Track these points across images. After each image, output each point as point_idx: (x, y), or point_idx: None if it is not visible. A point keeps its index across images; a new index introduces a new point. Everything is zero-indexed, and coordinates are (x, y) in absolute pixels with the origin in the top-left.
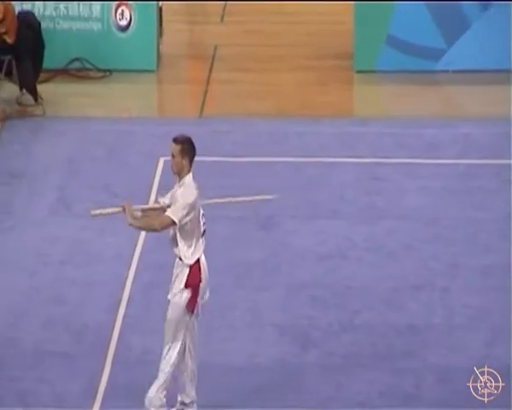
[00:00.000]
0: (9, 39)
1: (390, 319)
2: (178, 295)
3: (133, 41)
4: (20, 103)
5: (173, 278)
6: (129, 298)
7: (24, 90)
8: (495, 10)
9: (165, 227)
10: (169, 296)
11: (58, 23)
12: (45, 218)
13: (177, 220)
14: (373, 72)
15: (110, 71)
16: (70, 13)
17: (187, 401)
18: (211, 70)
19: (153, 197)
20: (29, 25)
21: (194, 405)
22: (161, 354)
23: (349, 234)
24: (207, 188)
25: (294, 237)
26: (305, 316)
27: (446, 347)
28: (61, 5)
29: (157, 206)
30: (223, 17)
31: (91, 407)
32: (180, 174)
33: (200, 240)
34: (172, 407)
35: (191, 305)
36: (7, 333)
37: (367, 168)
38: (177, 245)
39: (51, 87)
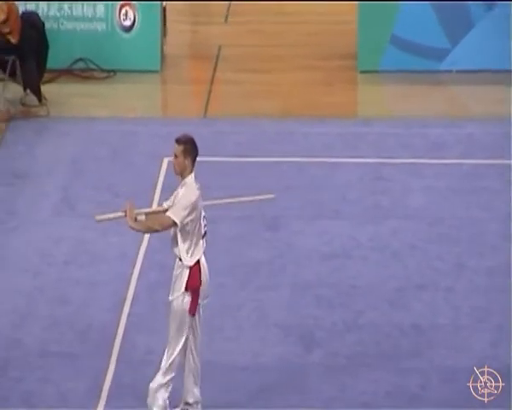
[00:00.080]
0: (13, 39)
1: (395, 319)
2: (180, 299)
3: (137, 41)
4: (24, 104)
5: (173, 280)
6: (133, 297)
7: (28, 91)
8: (499, 10)
9: (167, 228)
10: (170, 297)
11: (62, 23)
12: (49, 218)
13: (178, 221)
14: (377, 72)
15: (114, 71)
16: (74, 13)
17: (191, 400)
18: (215, 70)
19: (157, 197)
20: (33, 25)
21: (199, 405)
22: (164, 353)
23: (353, 234)
24: (212, 188)
25: (299, 236)
26: (310, 316)
27: (452, 347)
28: (65, 5)
29: (161, 209)
30: (227, 17)
31: (96, 406)
32: (182, 174)
33: (201, 241)
34: (176, 407)
35: (192, 308)
36: (11, 334)
37: (371, 168)
38: (177, 245)
39: (55, 87)
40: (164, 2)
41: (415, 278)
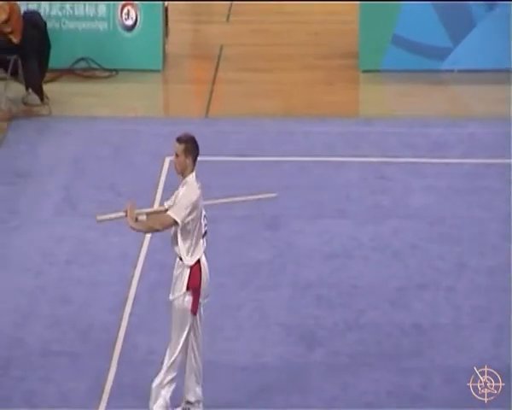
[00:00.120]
0: (15, 39)
1: (396, 319)
2: (181, 299)
3: (139, 41)
4: (25, 103)
5: (174, 280)
6: (135, 297)
7: (30, 90)
8: (501, 10)
9: (167, 227)
10: (170, 297)
11: (64, 23)
12: (51, 217)
13: (179, 220)
14: (379, 71)
15: (116, 71)
16: (76, 13)
17: (192, 399)
18: (216, 70)
19: (158, 197)
20: (35, 24)
21: (200, 404)
22: (165, 353)
23: (355, 233)
24: (213, 188)
25: (300, 236)
26: (311, 315)
27: (453, 347)
28: (67, 5)
29: (162, 208)
30: (228, 17)
31: (97, 406)
32: (183, 174)
33: (201, 241)
34: (178, 406)
35: (194, 307)
36: (13, 333)
37: (373, 168)
38: (177, 244)
39: (57, 87)
40: (166, 2)
41: (416, 278)
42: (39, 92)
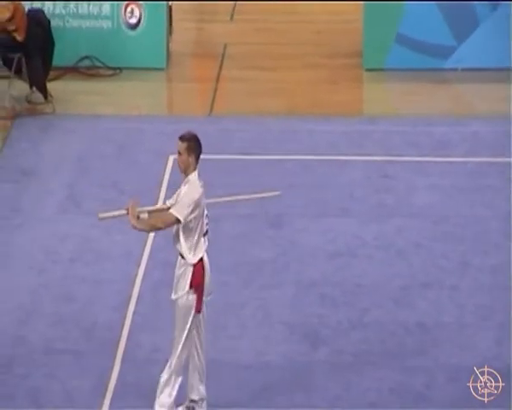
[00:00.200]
0: (19, 37)
1: (399, 317)
2: (185, 297)
3: (143, 39)
4: (29, 101)
5: (176, 279)
6: (138, 296)
7: (34, 88)
8: (505, 9)
9: (170, 225)
10: (173, 297)
11: (68, 21)
12: (54, 215)
13: (181, 218)
14: (382, 70)
15: (120, 69)
16: (80, 11)
17: (196, 397)
18: (220, 68)
19: (162, 195)
20: (39, 23)
21: (204, 402)
22: (170, 352)
23: (358, 232)
24: (216, 186)
25: (304, 235)
26: (315, 314)
27: (457, 345)
28: (71, 3)
29: (164, 207)
30: (232, 15)
31: (101, 404)
32: (186, 172)
33: (202, 239)
34: (181, 404)
35: (198, 305)
36: (16, 331)
37: (376, 166)
38: (179, 241)
39: (61, 85)
40: (170, 2)
41: (419, 277)
42: (43, 90)
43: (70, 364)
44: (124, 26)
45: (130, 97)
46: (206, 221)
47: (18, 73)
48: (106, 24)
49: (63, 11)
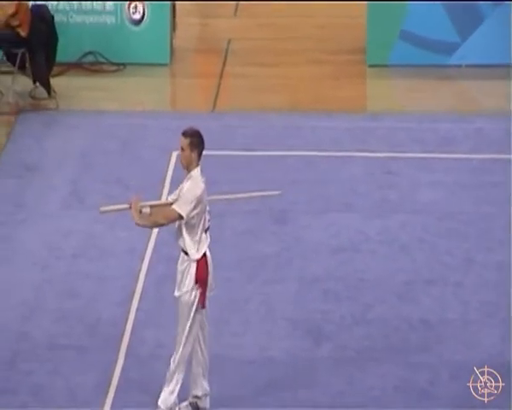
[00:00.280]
0: (23, 32)
1: (403, 313)
2: (189, 293)
3: (146, 35)
4: (33, 97)
5: (180, 275)
6: (142, 291)
7: (37, 84)
8: (509, 5)
9: (172, 221)
10: (176, 293)
11: (71, 17)
12: (58, 211)
13: (184, 214)
14: (386, 66)
15: (123, 64)
16: (83, 6)
17: (199, 393)
18: (224, 64)
19: (165, 191)
20: (42, 18)
21: (207, 397)
22: (174, 348)
23: (362, 227)
24: (219, 182)
25: (307, 230)
26: (318, 309)
27: (461, 342)
28: None
29: (166, 202)
30: (236, 11)
31: (104, 400)
32: (188, 168)
33: (204, 235)
34: (185, 400)
35: (202, 300)
36: (20, 327)
37: (380, 162)
38: (181, 237)
39: (64, 81)
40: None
41: (423, 273)
42: (47, 86)
43: (74, 360)
44: (127, 22)
45: (134, 93)
46: (207, 217)
47: (21, 68)
48: (109, 19)
49: (67, 7)
